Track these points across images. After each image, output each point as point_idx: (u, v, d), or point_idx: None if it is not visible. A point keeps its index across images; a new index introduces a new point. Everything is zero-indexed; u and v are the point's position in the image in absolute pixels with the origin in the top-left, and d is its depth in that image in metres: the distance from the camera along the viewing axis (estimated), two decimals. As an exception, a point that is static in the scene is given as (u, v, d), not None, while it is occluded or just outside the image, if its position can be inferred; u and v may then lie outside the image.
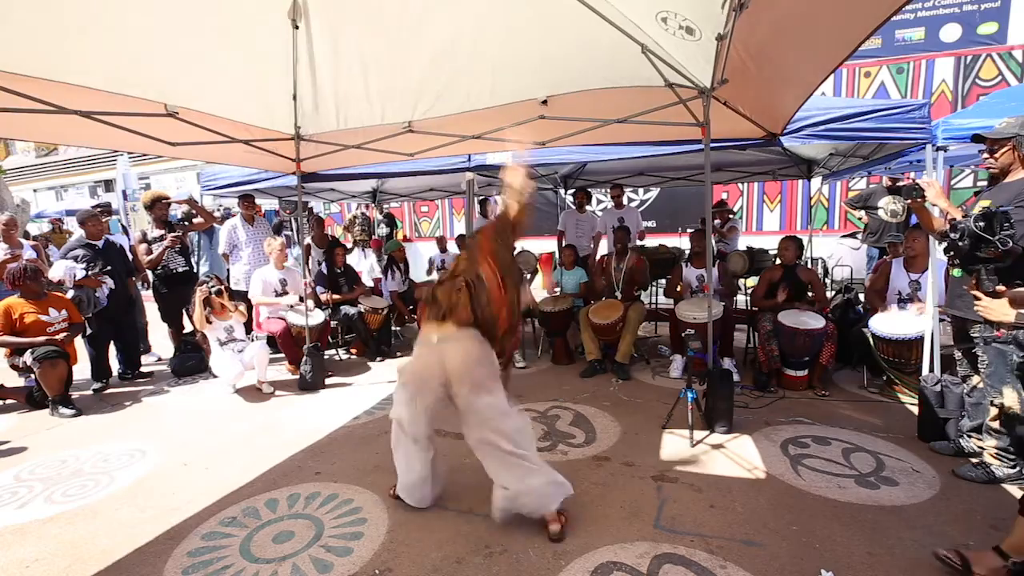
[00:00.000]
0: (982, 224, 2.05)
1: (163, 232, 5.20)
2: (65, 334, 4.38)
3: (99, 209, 5.87)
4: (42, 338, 4.28)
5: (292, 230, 8.40)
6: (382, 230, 8.94)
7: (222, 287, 4.57)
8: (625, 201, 7.05)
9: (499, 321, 2.33)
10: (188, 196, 5.99)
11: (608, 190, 7.43)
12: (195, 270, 5.57)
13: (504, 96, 3.55)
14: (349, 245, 7.54)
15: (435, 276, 7.11)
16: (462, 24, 2.95)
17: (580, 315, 4.88)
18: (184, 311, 5.22)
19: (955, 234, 2.16)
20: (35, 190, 19.09)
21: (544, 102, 3.54)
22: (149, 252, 5.13)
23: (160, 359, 5.85)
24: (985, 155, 2.77)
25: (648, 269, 5.31)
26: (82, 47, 2.69)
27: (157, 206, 5.24)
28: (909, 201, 2.90)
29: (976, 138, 2.79)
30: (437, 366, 2.31)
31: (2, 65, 2.51)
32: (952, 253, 2.41)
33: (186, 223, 5.39)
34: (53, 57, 2.65)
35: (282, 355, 5.12)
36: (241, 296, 5.52)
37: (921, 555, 2.21)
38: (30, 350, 4.22)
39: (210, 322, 4.51)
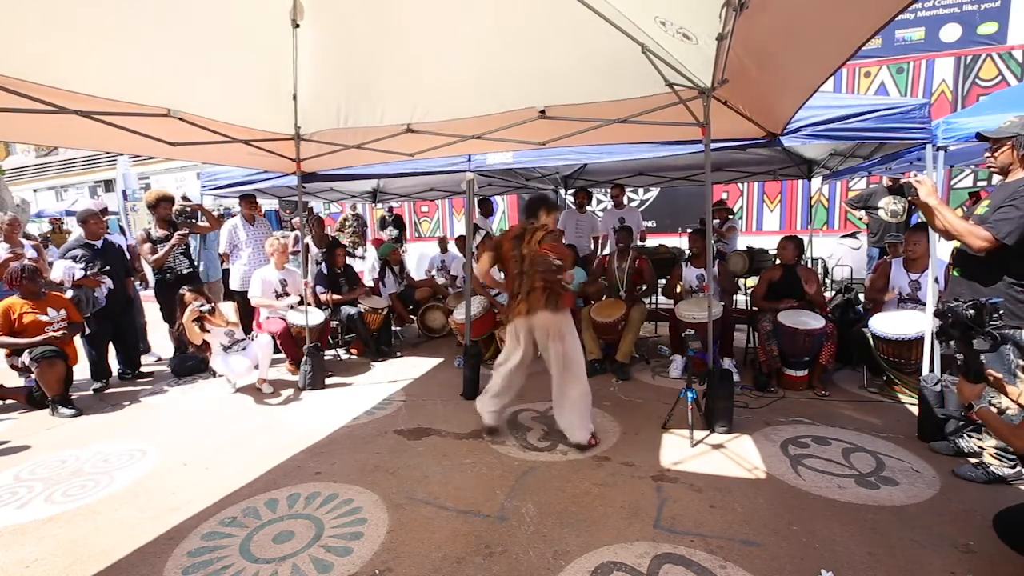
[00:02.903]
0: (971, 313, 2.07)
1: (166, 232, 5.19)
2: (63, 332, 4.37)
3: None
4: (39, 338, 4.27)
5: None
6: (391, 231, 8.88)
7: (212, 305, 4.52)
8: (625, 201, 7.06)
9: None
10: (184, 195, 5.99)
11: (608, 190, 7.45)
12: (198, 271, 5.55)
13: (503, 104, 3.56)
14: (345, 243, 7.52)
15: (436, 276, 7.11)
16: (462, 30, 2.95)
17: (582, 314, 4.88)
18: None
19: (947, 319, 2.18)
20: (35, 190, 19.09)
21: (542, 111, 3.55)
22: (154, 251, 5.11)
23: (160, 359, 5.85)
24: (987, 154, 2.77)
25: (653, 270, 5.30)
26: (82, 54, 2.69)
27: (161, 205, 5.23)
28: (910, 197, 2.89)
29: (979, 136, 2.79)
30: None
31: (4, 70, 2.51)
32: (944, 337, 2.45)
33: (192, 220, 5.37)
34: (52, 63, 2.64)
35: (282, 355, 5.12)
36: (240, 296, 5.53)
37: (921, 555, 2.22)
38: (28, 350, 4.22)
39: (207, 330, 4.49)
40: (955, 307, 2.13)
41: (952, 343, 2.15)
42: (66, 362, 4.36)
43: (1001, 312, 2.16)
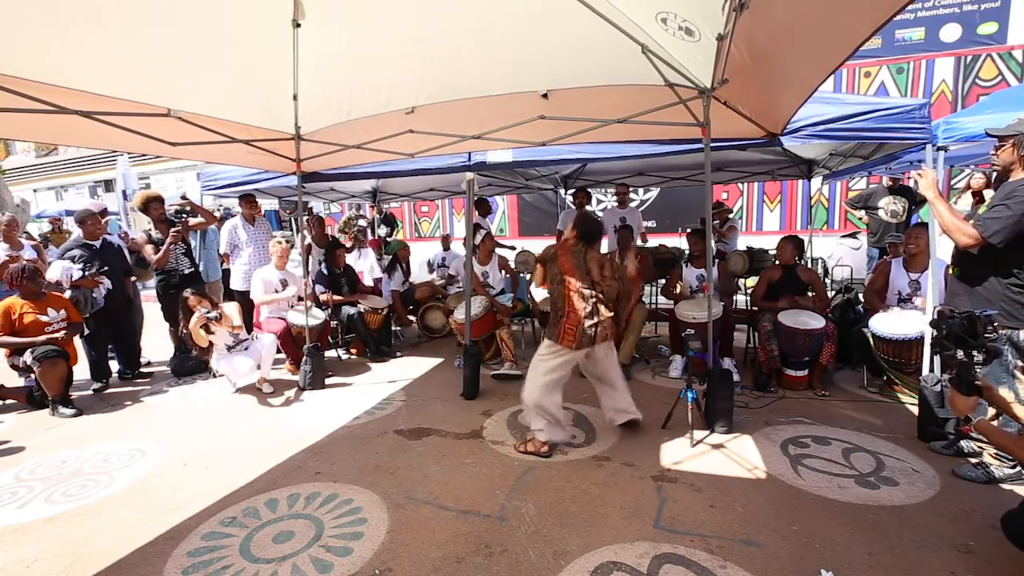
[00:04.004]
0: (965, 324, 2.08)
1: (163, 233, 5.18)
2: (63, 332, 4.36)
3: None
4: (42, 337, 4.28)
5: (292, 229, 8.39)
6: (382, 230, 8.91)
7: (219, 313, 4.51)
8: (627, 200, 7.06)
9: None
10: (184, 195, 5.99)
11: (608, 190, 7.46)
12: (199, 271, 5.54)
13: (506, 86, 3.54)
14: (348, 245, 7.52)
15: (436, 276, 7.11)
16: (466, 15, 2.94)
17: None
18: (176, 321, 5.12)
19: (941, 330, 2.17)
20: (35, 190, 19.10)
21: (544, 95, 3.53)
22: (156, 252, 5.10)
23: (150, 363, 5.75)
24: (992, 151, 2.78)
25: (652, 265, 5.31)
26: (82, 52, 2.69)
27: (152, 207, 5.22)
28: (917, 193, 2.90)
29: (987, 132, 2.79)
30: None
31: (3, 68, 2.51)
32: (938, 349, 2.45)
33: (183, 215, 5.36)
34: (54, 61, 2.65)
35: (282, 355, 5.11)
36: (241, 296, 5.52)
37: (921, 555, 2.22)
38: (29, 350, 4.23)
39: (212, 332, 4.49)
40: (949, 319, 2.14)
41: (945, 354, 2.15)
42: (67, 362, 4.36)
43: (996, 324, 2.16)
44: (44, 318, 4.36)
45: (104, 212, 6.89)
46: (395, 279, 6.43)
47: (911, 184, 2.87)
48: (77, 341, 4.66)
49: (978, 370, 2.59)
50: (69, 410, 4.26)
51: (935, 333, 2.26)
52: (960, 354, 2.07)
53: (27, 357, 4.23)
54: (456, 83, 3.58)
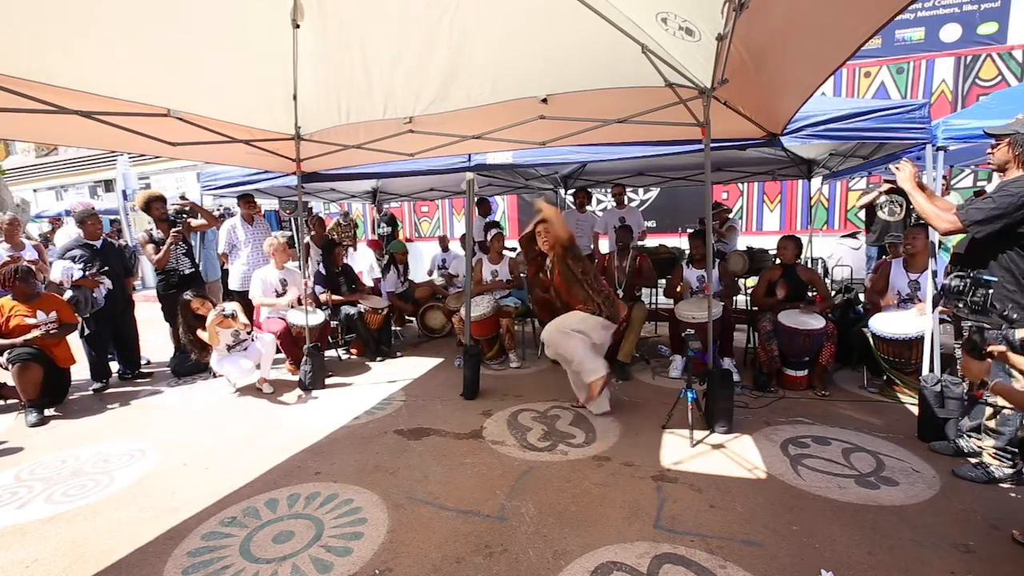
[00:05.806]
0: (958, 284, 2.14)
1: (164, 233, 5.18)
2: (46, 332, 4.25)
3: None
4: (23, 338, 4.18)
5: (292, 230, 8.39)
6: (383, 229, 8.90)
7: (234, 312, 4.52)
8: (626, 200, 7.05)
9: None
10: (183, 195, 5.99)
11: (609, 190, 7.46)
12: (199, 271, 5.54)
13: (505, 93, 3.55)
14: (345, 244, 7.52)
15: (436, 276, 7.11)
16: (464, 22, 2.95)
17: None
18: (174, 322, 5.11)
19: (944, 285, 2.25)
20: (35, 190, 19.07)
21: (544, 100, 3.54)
22: (157, 251, 5.10)
23: (149, 362, 5.73)
24: (988, 149, 2.78)
25: (653, 268, 5.31)
26: (82, 52, 2.69)
27: (153, 206, 5.22)
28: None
29: (985, 131, 2.80)
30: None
31: (3, 68, 2.51)
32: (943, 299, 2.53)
33: (184, 215, 5.36)
34: (54, 61, 2.65)
35: (282, 355, 5.11)
36: (239, 296, 5.52)
37: (921, 555, 2.22)
38: (7, 352, 4.13)
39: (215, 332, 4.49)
40: (945, 281, 2.18)
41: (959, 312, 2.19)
42: (43, 365, 4.21)
43: (990, 291, 2.20)
44: (30, 320, 4.28)
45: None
46: (389, 280, 6.43)
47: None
48: (77, 341, 4.64)
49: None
50: (32, 416, 4.09)
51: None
52: (970, 322, 2.09)
53: (4, 359, 4.15)
54: (455, 91, 3.58)
